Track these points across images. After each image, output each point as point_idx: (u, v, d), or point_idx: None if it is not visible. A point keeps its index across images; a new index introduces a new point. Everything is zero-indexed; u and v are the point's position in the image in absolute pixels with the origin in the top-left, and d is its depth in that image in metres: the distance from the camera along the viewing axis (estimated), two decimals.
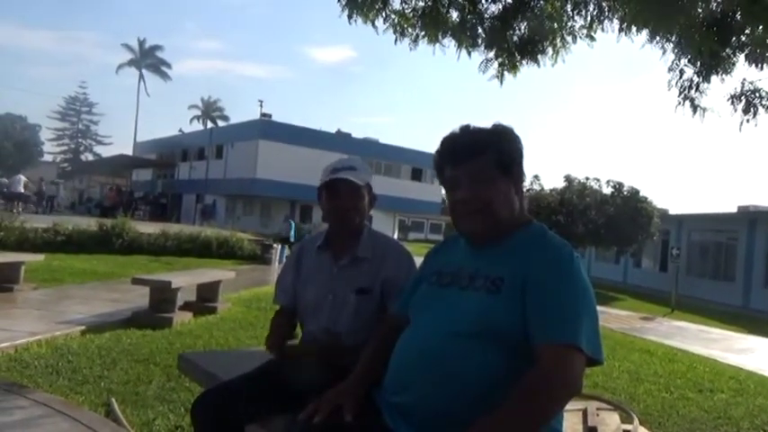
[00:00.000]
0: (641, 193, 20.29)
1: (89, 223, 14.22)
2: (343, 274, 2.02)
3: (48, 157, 68.39)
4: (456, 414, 1.33)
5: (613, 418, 3.15)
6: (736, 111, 4.31)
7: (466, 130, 1.52)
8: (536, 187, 20.67)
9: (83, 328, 5.31)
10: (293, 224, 19.44)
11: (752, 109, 4.26)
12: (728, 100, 4.33)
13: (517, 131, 1.54)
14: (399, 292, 1.81)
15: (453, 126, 1.54)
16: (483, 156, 1.44)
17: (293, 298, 2.12)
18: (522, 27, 4.64)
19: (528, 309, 1.33)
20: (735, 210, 22.40)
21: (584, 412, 3.08)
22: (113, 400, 3.43)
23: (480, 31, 4.58)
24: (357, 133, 40.66)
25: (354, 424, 1.45)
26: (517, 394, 1.23)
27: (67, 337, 4.96)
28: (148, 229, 15.28)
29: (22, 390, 3.46)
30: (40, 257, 8.32)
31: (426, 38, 4.36)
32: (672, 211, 23.71)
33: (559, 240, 1.47)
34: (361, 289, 1.98)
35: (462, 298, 1.43)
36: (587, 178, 20.86)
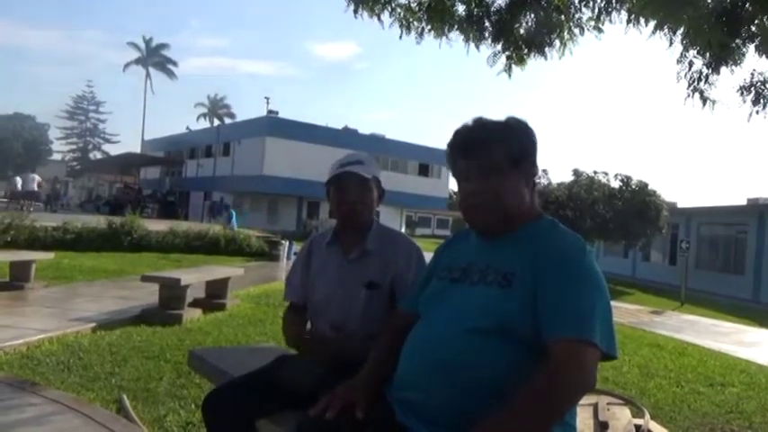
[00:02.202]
0: (650, 187, 20.16)
1: (98, 221, 14.30)
2: (353, 268, 2.01)
3: (56, 156, 69.05)
4: (468, 410, 1.32)
5: (624, 413, 3.12)
6: (745, 102, 4.27)
7: (479, 122, 1.51)
8: (544, 181, 20.57)
9: (93, 325, 5.34)
10: (234, 214, 19.60)
11: (761, 100, 4.21)
12: (738, 91, 4.28)
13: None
14: (409, 287, 1.80)
15: (460, 120, 1.54)
16: (494, 148, 1.43)
17: (303, 294, 2.12)
18: (530, 20, 4.61)
19: (539, 303, 1.32)
20: (744, 202, 22.22)
21: (595, 407, 3.06)
22: (124, 396, 3.45)
23: (487, 24, 4.55)
24: (364, 129, 40.72)
25: (366, 420, 1.45)
26: (530, 390, 1.22)
27: (78, 335, 5.00)
28: (157, 226, 15.35)
29: (34, 387, 3.49)
30: (50, 255, 8.38)
31: (433, 32, 4.34)
32: (680, 205, 23.59)
33: (571, 233, 1.46)
34: (371, 283, 1.97)
35: (473, 293, 1.42)
36: (595, 172, 20.78)
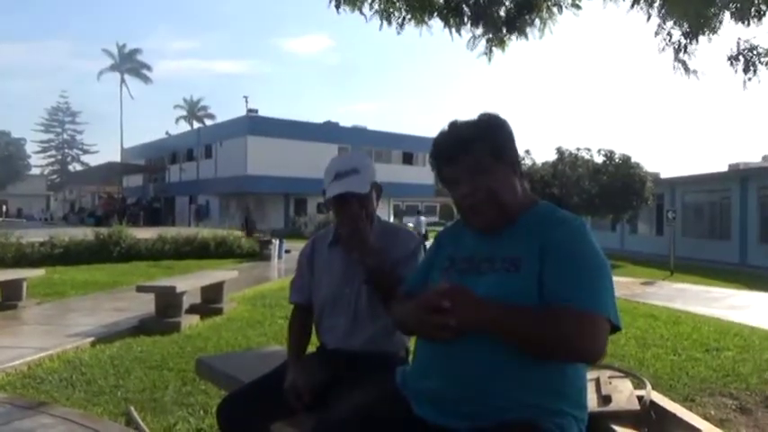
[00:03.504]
0: (632, 160, 20.32)
1: (85, 233, 14.15)
2: (359, 266, 2.01)
3: (35, 171, 67.96)
4: (485, 397, 1.34)
5: (626, 385, 3.17)
6: (736, 71, 4.31)
7: (454, 126, 1.52)
8: (528, 162, 20.63)
9: (92, 339, 5.31)
10: None
11: (751, 67, 4.25)
12: (728, 61, 4.32)
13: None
14: (409, 271, 1.81)
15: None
16: (475, 148, 1.45)
17: (309, 296, 2.12)
18: (508, 1, 4.61)
19: (546, 285, 1.34)
20: (725, 168, 22.51)
21: (597, 382, 3.12)
22: (132, 408, 3.44)
23: (466, 8, 4.55)
24: (345, 122, 40.51)
25: (383, 416, 1.48)
26: (549, 320, 1.29)
27: (78, 350, 4.97)
28: (145, 234, 15.24)
29: (41, 406, 3.47)
30: (40, 272, 8.29)
31: (413, 20, 4.33)
32: (663, 175, 23.82)
33: (570, 214, 1.49)
34: None
35: (482, 282, 1.43)
36: (578, 149, 20.85)
